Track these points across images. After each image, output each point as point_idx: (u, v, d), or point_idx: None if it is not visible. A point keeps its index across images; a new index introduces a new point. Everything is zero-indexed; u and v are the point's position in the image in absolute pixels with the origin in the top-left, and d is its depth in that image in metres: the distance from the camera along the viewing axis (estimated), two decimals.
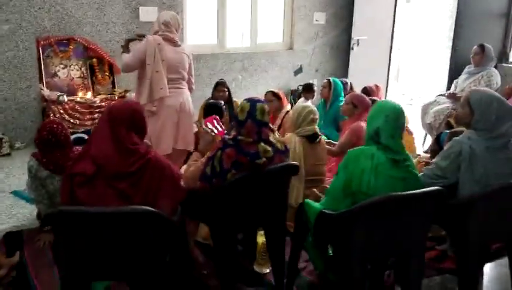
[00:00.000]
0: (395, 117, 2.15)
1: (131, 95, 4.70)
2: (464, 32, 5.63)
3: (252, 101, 2.32)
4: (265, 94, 4.37)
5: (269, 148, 2.29)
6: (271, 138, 2.36)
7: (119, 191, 1.96)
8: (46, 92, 4.65)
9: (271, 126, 2.44)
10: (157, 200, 2.05)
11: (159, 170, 2.08)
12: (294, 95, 6.40)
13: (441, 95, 4.92)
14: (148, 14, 5.32)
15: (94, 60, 5.00)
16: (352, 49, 6.59)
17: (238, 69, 6.18)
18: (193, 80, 3.71)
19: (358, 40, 6.60)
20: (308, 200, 2.34)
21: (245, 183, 2.22)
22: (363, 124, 3.57)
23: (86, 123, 4.71)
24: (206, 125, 2.74)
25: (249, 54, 6.24)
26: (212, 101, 4.02)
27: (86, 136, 4.36)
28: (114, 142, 1.99)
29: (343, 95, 4.65)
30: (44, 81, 4.74)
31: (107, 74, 5.08)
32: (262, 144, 2.28)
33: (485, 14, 5.67)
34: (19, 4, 4.56)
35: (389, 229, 2.04)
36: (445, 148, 2.44)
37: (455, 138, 2.40)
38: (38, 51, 4.70)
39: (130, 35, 4.71)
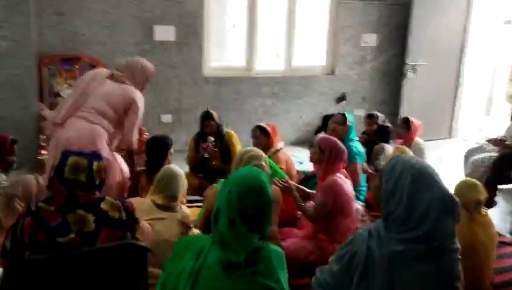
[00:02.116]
0: (242, 195, 1.39)
1: None
2: None
3: (65, 154, 1.72)
4: (253, 129, 3.71)
5: (90, 219, 1.68)
6: (103, 204, 1.74)
7: None
8: (45, 111, 4.51)
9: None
10: None
11: None
12: None
13: (489, 140, 3.79)
14: (163, 33, 4.98)
15: None
16: (405, 75, 5.59)
17: (267, 95, 5.56)
18: (129, 133, 2.99)
19: (415, 65, 5.58)
20: None
21: (47, 268, 1.62)
22: (339, 177, 2.82)
23: None
24: None
25: (280, 78, 5.58)
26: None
27: None
28: None
29: (353, 134, 3.80)
30: (46, 101, 4.62)
31: None
32: (78, 212, 1.68)
33: None
34: (22, 21, 4.46)
35: None
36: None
37: (361, 227, 1.57)
38: (41, 69, 4.59)
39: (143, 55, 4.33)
